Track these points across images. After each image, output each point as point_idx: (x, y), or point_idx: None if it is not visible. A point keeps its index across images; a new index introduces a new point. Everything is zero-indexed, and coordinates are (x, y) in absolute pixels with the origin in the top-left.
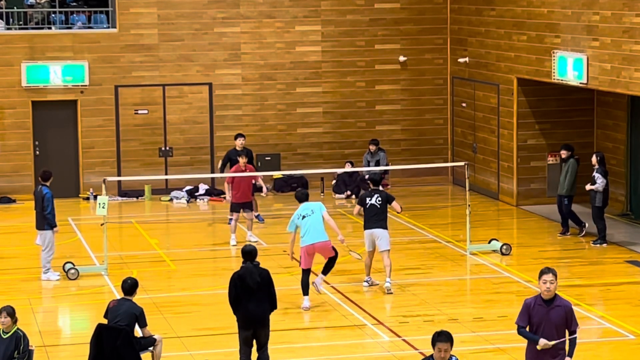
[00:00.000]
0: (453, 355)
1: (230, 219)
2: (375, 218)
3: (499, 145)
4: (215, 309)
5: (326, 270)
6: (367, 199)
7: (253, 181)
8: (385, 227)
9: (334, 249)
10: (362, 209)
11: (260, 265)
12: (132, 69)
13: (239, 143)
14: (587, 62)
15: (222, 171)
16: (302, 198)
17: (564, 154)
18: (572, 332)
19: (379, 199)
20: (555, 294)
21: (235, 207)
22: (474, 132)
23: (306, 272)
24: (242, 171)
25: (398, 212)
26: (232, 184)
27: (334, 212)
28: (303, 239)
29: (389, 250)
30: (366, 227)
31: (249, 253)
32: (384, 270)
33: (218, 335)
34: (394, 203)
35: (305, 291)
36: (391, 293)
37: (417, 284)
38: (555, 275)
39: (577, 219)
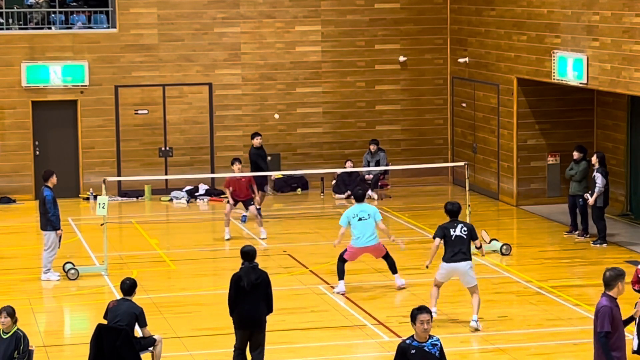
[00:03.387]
0: (434, 335)
1: (244, 216)
2: (460, 250)
3: (499, 145)
4: (215, 309)
5: (393, 268)
6: (452, 230)
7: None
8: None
9: (382, 246)
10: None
11: (260, 266)
12: (132, 69)
13: (257, 142)
14: (587, 62)
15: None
16: (360, 198)
17: (576, 155)
18: None
19: (464, 229)
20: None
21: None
22: (474, 132)
23: (344, 261)
24: (238, 178)
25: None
26: (229, 189)
27: (333, 212)
28: (357, 240)
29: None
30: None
31: (247, 254)
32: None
33: (218, 335)
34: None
35: (341, 275)
36: (478, 330)
37: (417, 284)
38: None
39: (587, 221)
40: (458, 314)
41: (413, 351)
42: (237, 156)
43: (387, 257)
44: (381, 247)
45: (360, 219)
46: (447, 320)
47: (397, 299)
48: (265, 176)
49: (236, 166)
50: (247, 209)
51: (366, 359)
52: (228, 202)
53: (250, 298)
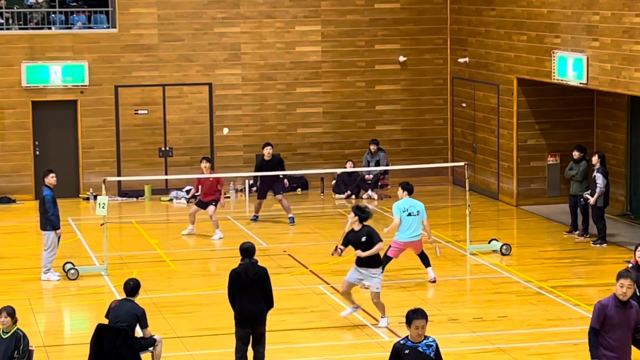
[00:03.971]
0: (430, 336)
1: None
2: None
3: (499, 145)
4: (215, 309)
5: (426, 262)
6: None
7: (219, 187)
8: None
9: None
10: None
11: (259, 264)
12: (132, 69)
13: (267, 152)
14: (587, 62)
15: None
16: (410, 191)
17: (576, 154)
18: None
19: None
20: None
21: (199, 204)
22: (474, 132)
23: (389, 259)
24: (206, 178)
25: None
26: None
27: (334, 212)
28: (403, 234)
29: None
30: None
31: (246, 250)
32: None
33: (218, 335)
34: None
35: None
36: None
37: (417, 284)
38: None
39: (587, 221)
40: (458, 314)
41: (407, 351)
42: (206, 155)
43: (422, 253)
44: (422, 243)
45: (409, 214)
46: (447, 320)
47: (397, 299)
48: (282, 182)
49: (203, 164)
50: (205, 208)
51: (366, 359)
52: (193, 201)
53: (249, 294)
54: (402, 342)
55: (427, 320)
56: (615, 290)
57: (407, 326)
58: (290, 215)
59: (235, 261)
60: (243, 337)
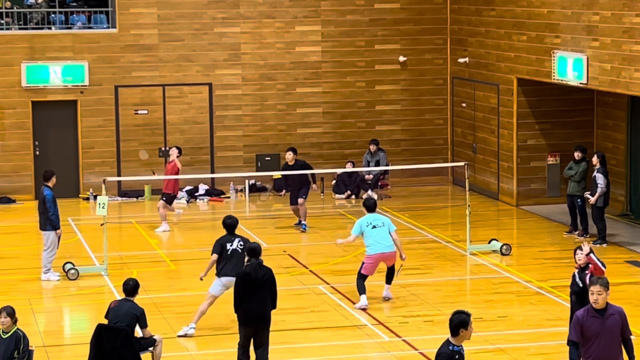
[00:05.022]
0: (459, 345)
1: (303, 225)
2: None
3: (499, 145)
4: (215, 309)
5: (389, 279)
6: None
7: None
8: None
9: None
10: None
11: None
12: (132, 69)
13: (289, 157)
14: (587, 62)
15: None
16: (372, 207)
17: (577, 155)
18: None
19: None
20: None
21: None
22: (474, 132)
23: (364, 277)
24: (171, 167)
25: None
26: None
27: (334, 212)
28: (372, 247)
29: None
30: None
31: (254, 250)
32: None
33: (218, 335)
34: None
35: (362, 290)
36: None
37: (417, 284)
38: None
39: (586, 221)
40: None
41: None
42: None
43: (392, 269)
44: (396, 255)
45: (374, 227)
46: (447, 320)
47: (397, 298)
48: (308, 187)
49: (173, 150)
50: (169, 203)
51: (366, 359)
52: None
53: (257, 295)
54: (450, 347)
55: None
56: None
57: (462, 330)
58: (304, 222)
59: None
60: (247, 337)
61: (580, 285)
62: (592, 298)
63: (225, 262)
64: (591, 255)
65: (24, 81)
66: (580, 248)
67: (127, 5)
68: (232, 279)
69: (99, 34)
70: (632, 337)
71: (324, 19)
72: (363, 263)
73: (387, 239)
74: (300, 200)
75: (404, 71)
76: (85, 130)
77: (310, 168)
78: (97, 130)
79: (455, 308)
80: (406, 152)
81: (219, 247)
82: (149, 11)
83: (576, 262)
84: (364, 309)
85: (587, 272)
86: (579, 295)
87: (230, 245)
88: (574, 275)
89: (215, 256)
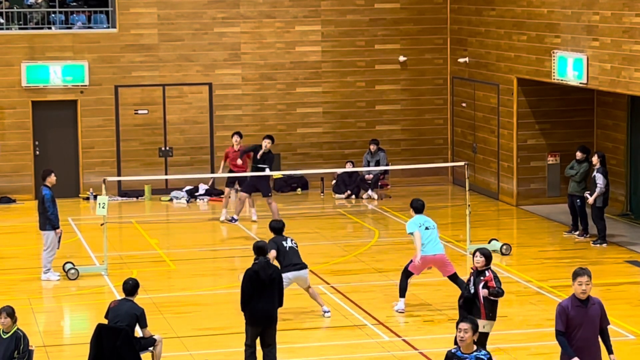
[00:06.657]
0: (483, 350)
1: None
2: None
3: (499, 145)
4: (215, 309)
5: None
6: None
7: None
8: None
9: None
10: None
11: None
12: (132, 69)
13: (265, 144)
14: (587, 62)
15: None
16: (420, 208)
17: (579, 155)
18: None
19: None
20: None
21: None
22: (474, 132)
23: (409, 275)
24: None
25: None
26: None
27: (334, 212)
28: (425, 249)
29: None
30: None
31: (261, 248)
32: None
33: (218, 335)
34: None
35: (403, 292)
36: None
37: (417, 284)
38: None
39: (587, 221)
40: (458, 314)
41: None
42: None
43: (456, 278)
44: (448, 261)
45: (427, 228)
46: (447, 320)
47: (396, 298)
48: (267, 181)
49: (235, 138)
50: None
51: (366, 359)
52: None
53: (266, 293)
54: (452, 350)
55: (472, 327)
56: (574, 290)
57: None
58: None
59: (235, 261)
60: (254, 335)
61: (472, 291)
62: (579, 289)
63: (283, 257)
64: (491, 270)
65: (24, 81)
66: (479, 250)
67: (127, 5)
68: (296, 273)
69: (99, 33)
70: (608, 326)
71: (324, 18)
72: (411, 261)
73: (438, 241)
74: (267, 200)
75: (404, 71)
76: (85, 130)
77: (272, 160)
78: (97, 130)
79: (456, 308)
80: (406, 152)
81: (275, 245)
82: (149, 11)
83: (474, 264)
84: (401, 312)
85: (482, 278)
86: (467, 301)
87: (286, 243)
88: (469, 280)
89: (274, 252)
